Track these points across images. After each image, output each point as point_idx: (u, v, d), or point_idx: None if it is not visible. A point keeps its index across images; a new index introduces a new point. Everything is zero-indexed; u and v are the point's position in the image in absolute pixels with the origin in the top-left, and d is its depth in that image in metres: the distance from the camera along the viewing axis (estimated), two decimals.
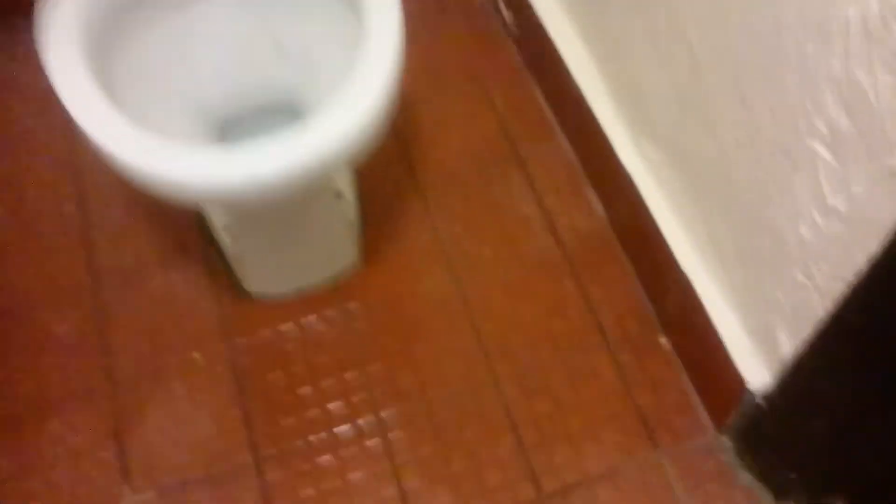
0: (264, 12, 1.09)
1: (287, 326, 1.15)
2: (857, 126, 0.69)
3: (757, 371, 0.97)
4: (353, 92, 0.82)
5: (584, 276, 1.20)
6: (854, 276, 0.76)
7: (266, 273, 1.17)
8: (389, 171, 1.29)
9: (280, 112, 1.19)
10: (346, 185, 1.20)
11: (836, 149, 0.72)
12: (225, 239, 1.17)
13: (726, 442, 1.07)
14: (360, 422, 1.09)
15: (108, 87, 0.89)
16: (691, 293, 1.04)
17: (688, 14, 0.91)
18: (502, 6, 1.41)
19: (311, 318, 1.16)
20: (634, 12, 1.03)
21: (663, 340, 1.15)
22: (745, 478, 1.05)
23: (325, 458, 1.07)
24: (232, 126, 1.18)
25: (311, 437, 1.08)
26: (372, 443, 1.08)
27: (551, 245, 1.23)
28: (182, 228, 1.22)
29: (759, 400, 0.97)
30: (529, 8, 1.29)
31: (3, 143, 1.28)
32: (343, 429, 1.09)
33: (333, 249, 1.18)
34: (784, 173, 0.82)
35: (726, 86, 0.87)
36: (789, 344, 0.90)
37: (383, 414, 1.10)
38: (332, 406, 1.10)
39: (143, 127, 0.85)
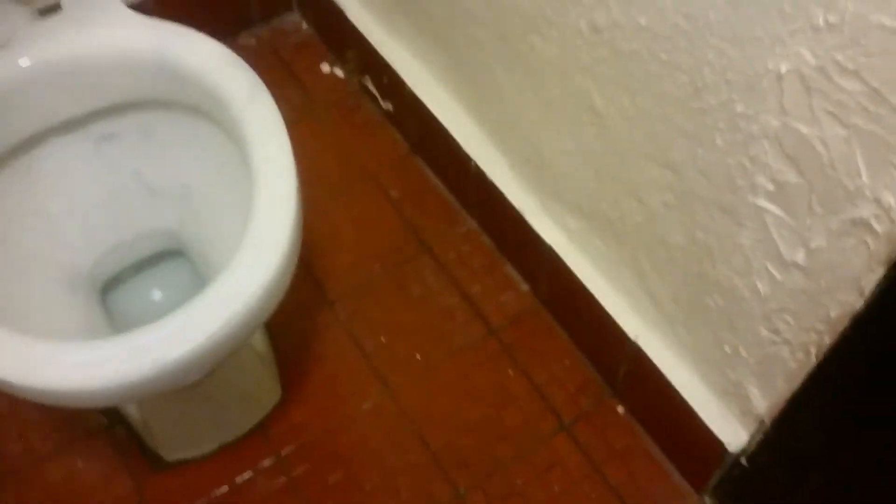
0: (126, 152, 0.98)
1: (221, 491, 1.02)
2: (807, 179, 0.65)
3: (732, 430, 0.92)
4: (255, 246, 0.73)
5: (524, 358, 1.13)
6: (825, 326, 0.72)
7: (182, 435, 1.04)
8: (293, 289, 1.18)
9: (164, 258, 1.08)
10: None
11: (786, 204, 0.69)
12: (128, 408, 1.03)
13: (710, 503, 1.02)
14: None
15: None
16: (642, 358, 0.99)
17: (585, 79, 0.86)
18: (374, 91, 1.34)
19: (246, 474, 1.04)
20: (522, 80, 0.98)
21: (621, 409, 1.09)
22: None
23: None
24: (114, 284, 1.05)
25: None
26: None
27: (483, 333, 1.15)
28: None
29: (741, 460, 0.91)
30: (404, 89, 1.23)
31: None
32: None
33: (250, 391, 1.07)
34: (728, 232, 0.77)
35: (644, 149, 0.83)
36: (763, 399, 0.86)
37: None
38: None
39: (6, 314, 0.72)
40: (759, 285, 0.77)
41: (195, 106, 0.89)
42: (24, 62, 0.82)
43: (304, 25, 1.48)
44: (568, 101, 0.91)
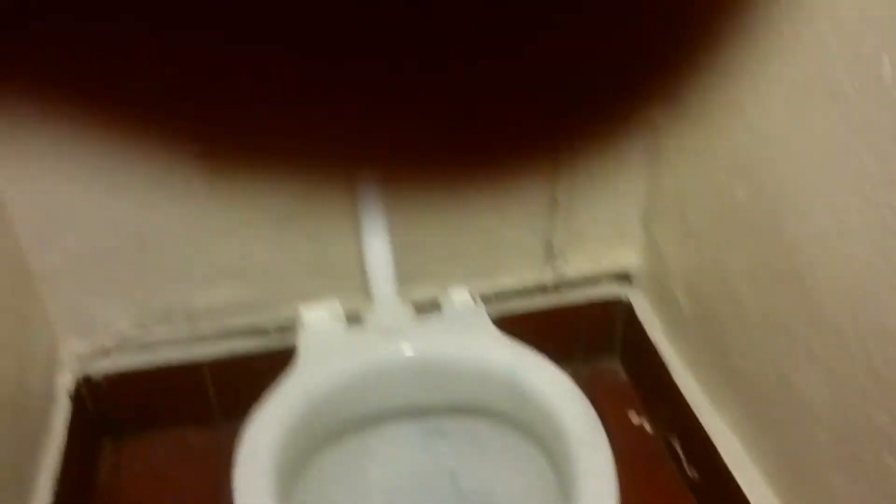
0: (449, 450, 1.04)
1: None
2: None
3: None
4: None
5: None
6: None
7: None
8: None
9: None
10: None
11: None
12: None
13: None
14: None
15: None
16: None
17: None
18: (681, 454, 1.33)
19: None
20: (862, 493, 0.92)
21: None
22: None
23: None
24: None
25: None
26: None
27: None
28: None
29: None
30: (716, 461, 1.20)
31: None
32: None
33: None
34: None
35: None
36: None
37: None
38: None
39: None
40: None
41: (528, 425, 0.94)
42: (406, 350, 0.94)
43: (622, 372, 1.54)
44: None
